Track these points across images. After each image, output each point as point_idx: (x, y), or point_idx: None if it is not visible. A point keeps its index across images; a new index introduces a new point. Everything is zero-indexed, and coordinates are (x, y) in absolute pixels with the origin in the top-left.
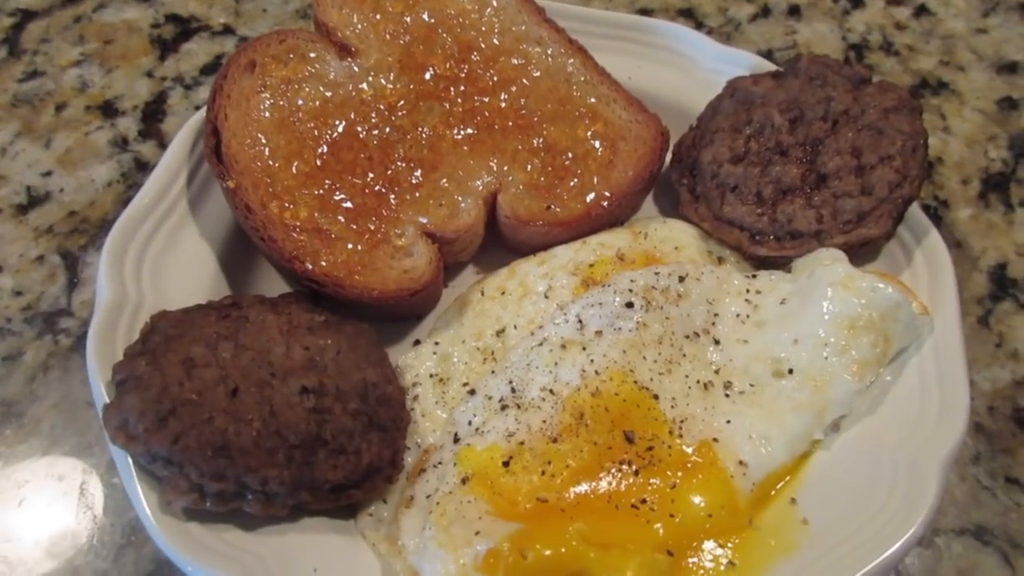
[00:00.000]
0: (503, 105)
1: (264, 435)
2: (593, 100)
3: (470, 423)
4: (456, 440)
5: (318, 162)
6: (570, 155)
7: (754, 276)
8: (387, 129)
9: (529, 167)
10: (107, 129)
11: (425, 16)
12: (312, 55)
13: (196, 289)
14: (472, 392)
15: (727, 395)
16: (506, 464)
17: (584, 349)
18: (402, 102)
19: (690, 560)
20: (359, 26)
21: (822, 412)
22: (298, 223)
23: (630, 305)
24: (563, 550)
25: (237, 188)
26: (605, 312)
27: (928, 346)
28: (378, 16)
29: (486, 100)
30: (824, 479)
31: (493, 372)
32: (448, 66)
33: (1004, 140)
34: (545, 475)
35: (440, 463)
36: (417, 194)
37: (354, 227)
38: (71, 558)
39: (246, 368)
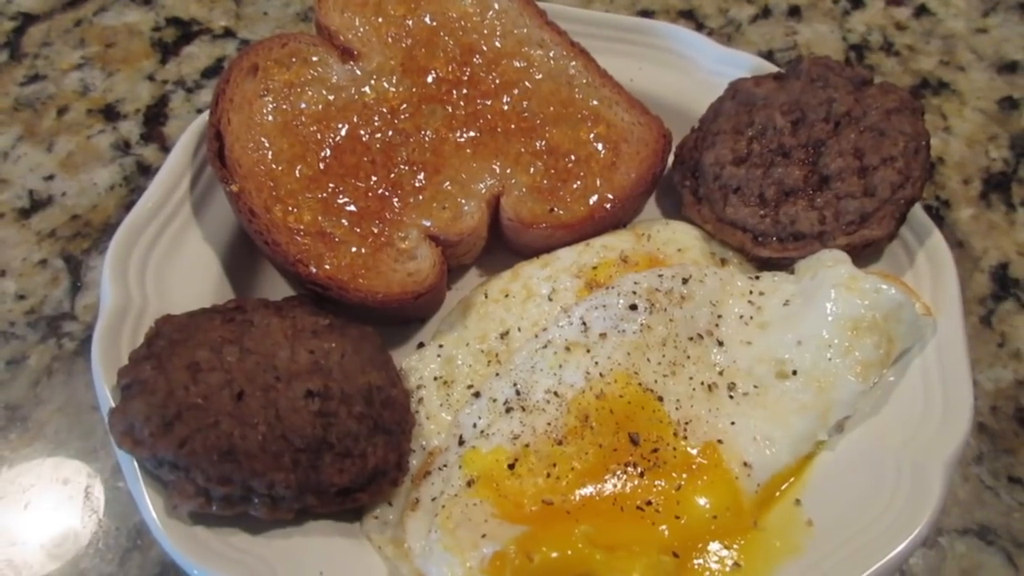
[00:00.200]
0: (505, 108)
1: (270, 439)
2: (595, 102)
3: (475, 426)
4: (461, 443)
5: (321, 166)
6: (573, 157)
7: (757, 277)
8: (390, 132)
9: (532, 169)
10: (109, 133)
11: (427, 19)
12: (314, 59)
13: (200, 293)
14: (477, 395)
15: (731, 396)
16: (511, 467)
17: (588, 351)
18: (404, 105)
19: (695, 561)
20: (361, 29)
21: (826, 413)
22: (302, 227)
23: (634, 307)
24: (569, 552)
25: (240, 192)
26: (609, 314)
27: (931, 347)
28: (380, 19)
29: (488, 103)
30: (828, 480)
31: (497, 374)
32: (450, 69)
33: (1005, 140)
34: (550, 477)
35: (445, 466)
36: (420, 197)
37: (358, 230)
38: (76, 562)
39: (251, 372)
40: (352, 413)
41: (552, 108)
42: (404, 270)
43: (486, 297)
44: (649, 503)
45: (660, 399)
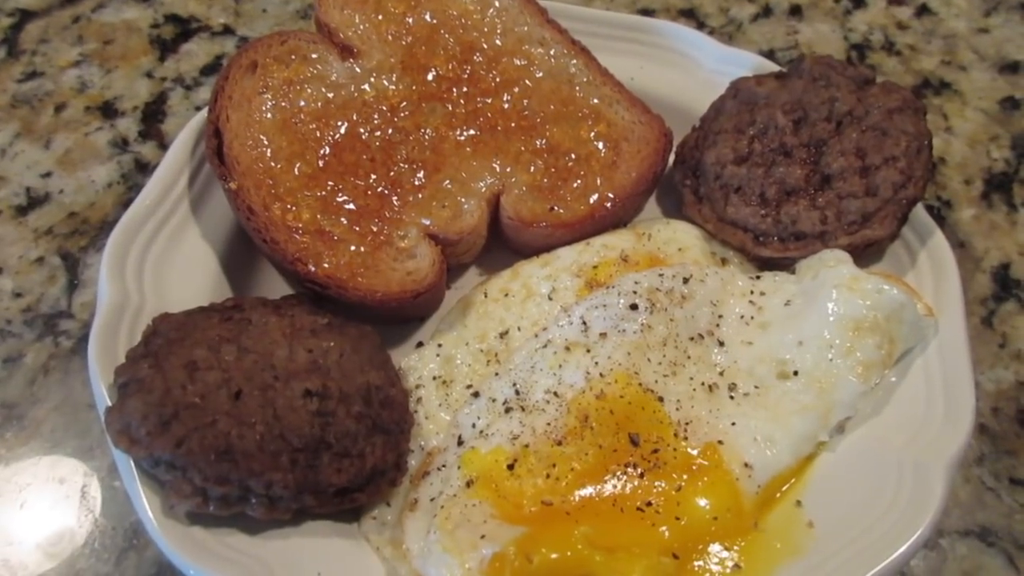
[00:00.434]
0: (506, 106)
1: (267, 438)
2: (596, 101)
3: (474, 426)
4: (460, 443)
5: (320, 164)
6: (573, 156)
7: (758, 277)
8: (389, 130)
9: (532, 168)
10: (107, 130)
11: (427, 17)
12: (314, 56)
13: (198, 291)
14: (476, 394)
15: (732, 397)
16: (511, 467)
17: (588, 351)
18: (404, 103)
19: (696, 563)
20: (361, 27)
21: (827, 414)
22: (300, 225)
23: (634, 307)
24: (569, 554)
25: (239, 190)
26: (609, 314)
27: (933, 347)
28: (380, 17)
29: (488, 101)
30: (829, 481)
31: (497, 374)
32: (450, 67)
33: (1007, 140)
34: (550, 478)
35: (444, 466)
36: (420, 195)
37: (357, 229)
38: (72, 561)
39: (249, 371)
40: (351, 413)
41: (552, 106)
42: (403, 269)
43: (486, 296)
44: (649, 504)
45: (660, 399)
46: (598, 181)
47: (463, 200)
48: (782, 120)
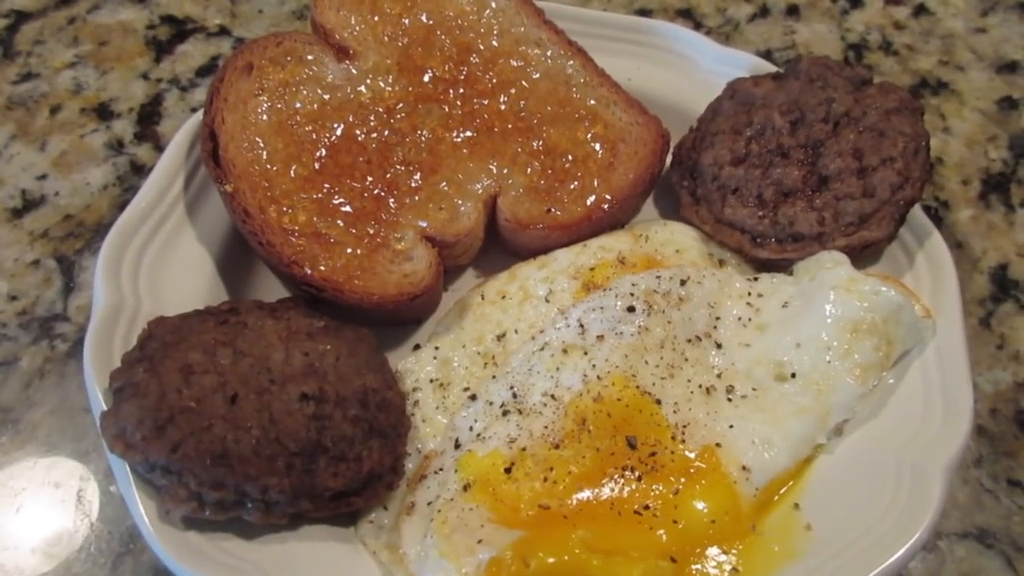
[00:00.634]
0: (502, 107)
1: (264, 443)
2: (593, 102)
3: (471, 429)
4: (457, 446)
5: (316, 166)
6: (570, 157)
7: (755, 279)
8: (386, 132)
9: (529, 170)
10: (102, 132)
11: (423, 18)
12: (310, 57)
13: (194, 294)
14: (473, 397)
15: (729, 399)
16: (508, 470)
17: (586, 354)
18: (401, 105)
19: (694, 567)
20: (357, 28)
21: (825, 416)
22: (296, 227)
23: (632, 309)
24: (566, 558)
25: (235, 192)
26: (607, 316)
27: (931, 349)
28: (376, 18)
29: (485, 102)
30: (828, 484)
31: (494, 377)
32: (447, 68)
33: (1004, 140)
34: (547, 481)
35: (441, 469)
36: (416, 198)
37: (353, 231)
38: (68, 566)
39: (245, 375)
40: (347, 416)
41: (549, 108)
42: (400, 271)
43: (483, 299)
44: (647, 507)
45: (658, 402)
46: (595, 183)
47: (460, 202)
48: (779, 121)
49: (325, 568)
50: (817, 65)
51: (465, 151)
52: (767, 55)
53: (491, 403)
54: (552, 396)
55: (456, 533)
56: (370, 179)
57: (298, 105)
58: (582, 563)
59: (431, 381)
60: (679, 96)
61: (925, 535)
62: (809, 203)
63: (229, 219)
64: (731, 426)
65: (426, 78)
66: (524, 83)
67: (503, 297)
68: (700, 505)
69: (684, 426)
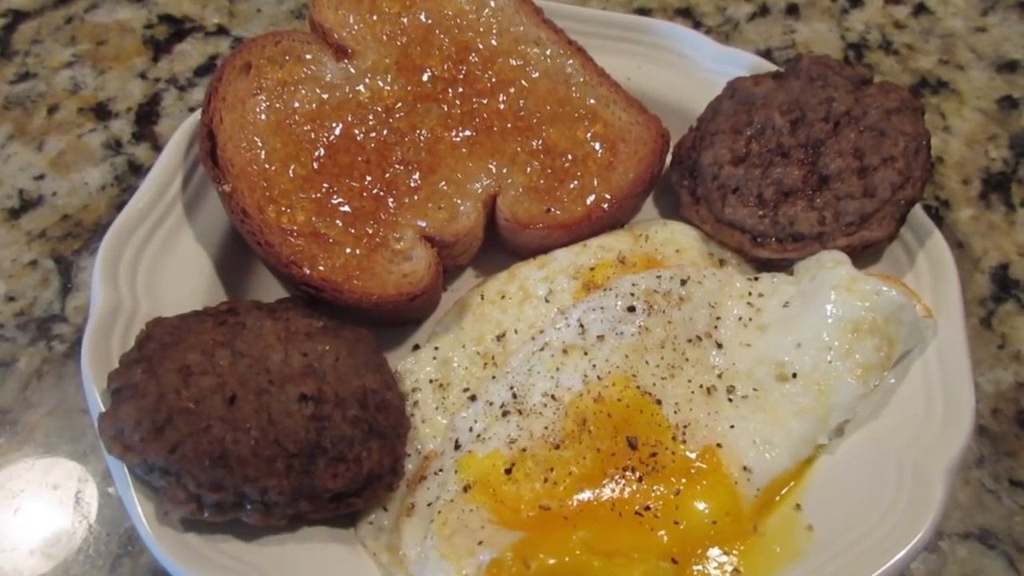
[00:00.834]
0: (502, 107)
1: (263, 444)
2: (592, 101)
3: (471, 429)
4: (457, 447)
5: (315, 165)
6: (570, 157)
7: (756, 279)
8: (384, 132)
9: (528, 169)
10: (100, 131)
11: (422, 17)
12: (308, 57)
13: (192, 295)
14: (473, 398)
15: (730, 399)
16: (508, 471)
17: (586, 354)
18: (399, 104)
19: (695, 568)
20: (356, 27)
21: (826, 416)
22: (295, 227)
23: (632, 309)
24: (567, 559)
25: (233, 192)
26: (607, 316)
27: (932, 349)
28: (375, 17)
29: (484, 102)
30: (829, 484)
31: (494, 377)
32: (446, 67)
33: (1005, 139)
34: (548, 482)
35: (441, 470)
36: (415, 197)
37: (352, 231)
38: (66, 568)
39: (244, 375)
40: (346, 417)
41: (549, 107)
42: (399, 271)
43: (482, 298)
44: (648, 508)
45: (658, 402)
46: (595, 182)
47: (459, 202)
48: (779, 120)
49: (325, 570)
50: (817, 64)
51: (464, 150)
52: (767, 54)
53: (491, 403)
54: (552, 396)
55: (456, 534)
56: (369, 179)
57: (297, 104)
58: (583, 564)
59: (431, 381)
60: (679, 95)
61: (927, 536)
62: (810, 203)
63: (227, 219)
64: (732, 426)
65: (425, 77)
66: (523, 82)
67: (503, 297)
68: (701, 506)
69: (685, 426)
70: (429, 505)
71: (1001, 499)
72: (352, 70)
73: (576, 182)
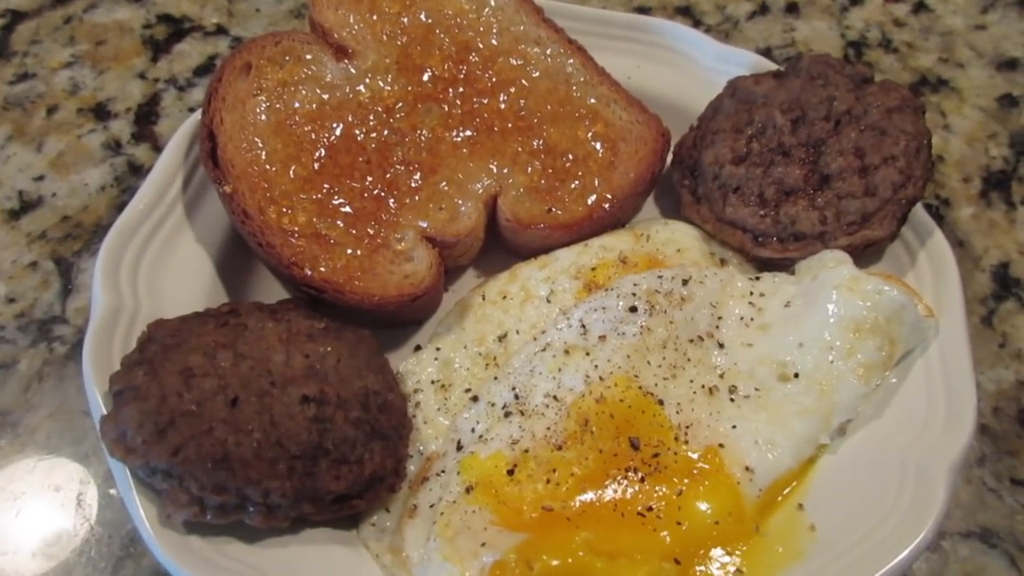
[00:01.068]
0: (502, 106)
1: (265, 446)
2: (593, 101)
3: (473, 430)
4: (459, 448)
5: (316, 166)
6: (570, 157)
7: (757, 278)
8: (385, 132)
9: (529, 169)
10: (100, 132)
11: (422, 16)
12: (308, 57)
13: (193, 296)
14: (475, 398)
15: (732, 399)
16: (511, 472)
17: (588, 354)
18: (400, 104)
19: (698, 568)
20: (356, 27)
21: (828, 416)
22: (296, 228)
23: (634, 309)
24: (570, 560)
25: (234, 193)
26: (608, 316)
27: (933, 348)
28: (375, 17)
29: (485, 101)
30: (831, 484)
31: (496, 378)
32: (446, 67)
33: (1005, 138)
34: (550, 483)
35: (443, 471)
36: (416, 198)
37: (353, 232)
38: (69, 570)
39: (245, 377)
40: (348, 418)
41: (549, 107)
42: (400, 272)
43: (484, 299)
44: (650, 509)
45: (660, 403)
46: (596, 182)
47: (460, 202)
48: (780, 119)
49: (327, 571)
50: (818, 63)
51: (465, 151)
52: (767, 53)
53: (493, 404)
54: (554, 397)
55: (459, 536)
56: (370, 179)
57: (297, 105)
58: (586, 565)
59: (432, 382)
60: (679, 94)
61: (929, 536)
62: (811, 202)
63: (228, 220)
64: (734, 426)
65: (425, 77)
66: (524, 82)
67: (504, 297)
68: (703, 506)
69: (687, 427)
70: (432, 506)
71: (1003, 498)
72: (352, 70)
73: (577, 182)
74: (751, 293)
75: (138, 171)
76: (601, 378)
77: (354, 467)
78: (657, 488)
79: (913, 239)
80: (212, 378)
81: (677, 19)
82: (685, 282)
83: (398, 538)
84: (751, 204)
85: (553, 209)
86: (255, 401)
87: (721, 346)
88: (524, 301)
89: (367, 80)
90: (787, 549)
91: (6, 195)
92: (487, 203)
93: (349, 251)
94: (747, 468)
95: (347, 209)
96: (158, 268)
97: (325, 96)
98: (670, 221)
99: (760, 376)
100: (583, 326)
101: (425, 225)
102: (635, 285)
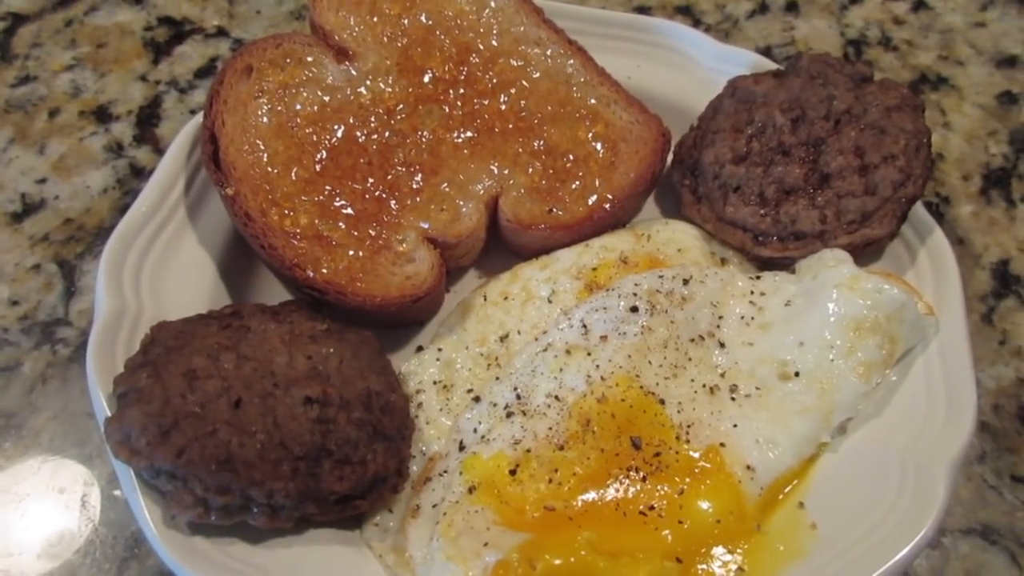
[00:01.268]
0: (503, 107)
1: (268, 447)
2: (593, 101)
3: (475, 431)
4: (462, 448)
5: (317, 168)
6: (571, 157)
7: (758, 278)
8: (386, 133)
9: (530, 170)
10: (101, 135)
11: (423, 18)
12: (309, 59)
13: (196, 298)
14: (477, 399)
15: (733, 399)
16: (513, 472)
17: (589, 354)
18: (401, 106)
19: (699, 567)
20: (356, 29)
21: (829, 415)
22: (298, 230)
23: (635, 309)
24: (572, 560)
25: (236, 195)
26: (610, 317)
27: (934, 346)
28: (375, 18)
29: (485, 102)
30: (832, 482)
31: (498, 378)
32: (447, 68)
33: (1004, 135)
34: (552, 483)
35: (446, 471)
36: (418, 199)
37: (355, 233)
38: (73, 571)
39: (248, 379)
40: (351, 419)
41: (550, 107)
42: (402, 273)
43: (485, 299)
44: (652, 508)
45: (662, 402)
46: (596, 182)
47: (461, 203)
48: (780, 119)
49: (331, 572)
50: (817, 62)
51: (466, 152)
52: (766, 52)
53: (495, 405)
54: (556, 397)
55: (462, 536)
56: (371, 181)
57: (298, 107)
58: (588, 565)
59: (435, 383)
60: (679, 94)
61: (929, 534)
62: (811, 201)
63: (230, 222)
64: (735, 425)
65: (426, 79)
66: (524, 83)
67: (506, 298)
68: (705, 505)
69: (688, 426)
70: (434, 507)
71: (1003, 495)
72: (353, 72)
73: (578, 182)
74: (752, 292)
75: (140, 173)
76: (602, 378)
77: (357, 468)
78: (659, 487)
79: (913, 237)
80: (215, 380)
81: (677, 19)
82: (686, 282)
83: (401, 538)
84: (751, 203)
85: (554, 209)
86: (258, 403)
87: (722, 345)
88: (525, 301)
89: (368, 82)
90: (788, 547)
91: (8, 198)
92: (488, 204)
93: (351, 252)
94: (748, 467)
95: (349, 211)
96: (161, 270)
97: (326, 98)
98: (671, 221)
99: (761, 375)
100: (584, 326)
101: (426, 226)
102: (636, 285)
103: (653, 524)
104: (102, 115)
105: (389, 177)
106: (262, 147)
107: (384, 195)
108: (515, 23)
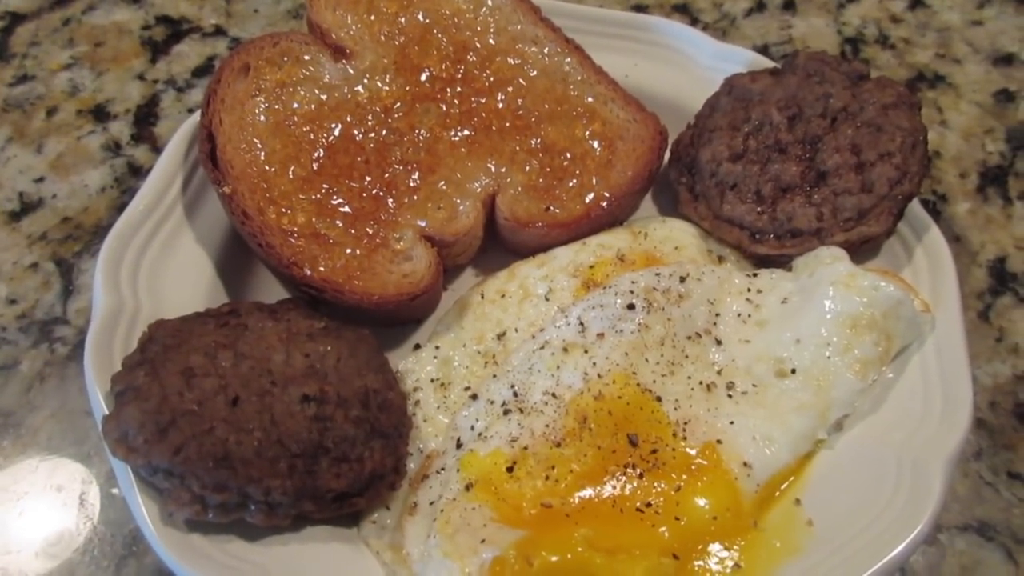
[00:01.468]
0: (500, 106)
1: (266, 445)
2: (590, 99)
3: (472, 428)
4: (459, 445)
5: (315, 166)
6: (568, 155)
7: (755, 275)
8: (383, 132)
9: (527, 168)
10: (99, 133)
11: (420, 16)
12: (306, 58)
13: (193, 296)
14: (474, 396)
15: (730, 396)
16: (510, 469)
17: (586, 352)
18: (398, 104)
19: (696, 563)
20: (353, 27)
21: (825, 412)
22: (296, 228)
23: (631, 307)
24: (569, 556)
25: (233, 194)
26: (606, 314)
27: (930, 343)
28: (372, 17)
29: (483, 101)
30: (828, 479)
31: (495, 376)
32: (444, 67)
33: (1001, 133)
34: (549, 480)
35: (443, 469)
36: (415, 197)
37: (352, 232)
38: (72, 569)
39: (246, 377)
40: (349, 417)
41: (547, 105)
42: (399, 271)
43: (482, 297)
44: (649, 505)
45: (659, 399)
46: (594, 180)
47: (458, 201)
48: (777, 117)
49: (328, 569)
50: (814, 60)
51: (463, 150)
52: (764, 50)
53: (492, 402)
54: (553, 394)
55: (459, 533)
56: (368, 179)
57: (295, 105)
58: (585, 561)
59: (432, 381)
60: (676, 92)
61: (926, 530)
62: (807, 199)
63: (228, 220)
64: (732, 422)
65: (423, 77)
66: (521, 81)
67: (503, 296)
68: (702, 502)
69: (685, 423)
70: (432, 504)
71: (999, 491)
72: (350, 70)
73: (575, 180)
74: (748, 290)
75: (138, 172)
76: (600, 375)
77: (354, 465)
78: (655, 484)
79: (910, 235)
80: (213, 378)
81: (674, 17)
82: (683, 279)
83: (399, 535)
84: (748, 201)
85: (551, 208)
86: (256, 400)
87: (719, 343)
88: (523, 299)
89: (365, 80)
90: (785, 544)
91: (6, 197)
92: (485, 202)
93: (348, 251)
94: (745, 464)
95: (346, 209)
96: (158, 269)
97: (323, 96)
98: (668, 219)
99: (757, 372)
100: (581, 324)
101: (424, 224)
102: (633, 283)
103: (650, 521)
104: (100, 114)
105: (386, 175)
106: (259, 145)
107: (381, 193)
108: (512, 21)
